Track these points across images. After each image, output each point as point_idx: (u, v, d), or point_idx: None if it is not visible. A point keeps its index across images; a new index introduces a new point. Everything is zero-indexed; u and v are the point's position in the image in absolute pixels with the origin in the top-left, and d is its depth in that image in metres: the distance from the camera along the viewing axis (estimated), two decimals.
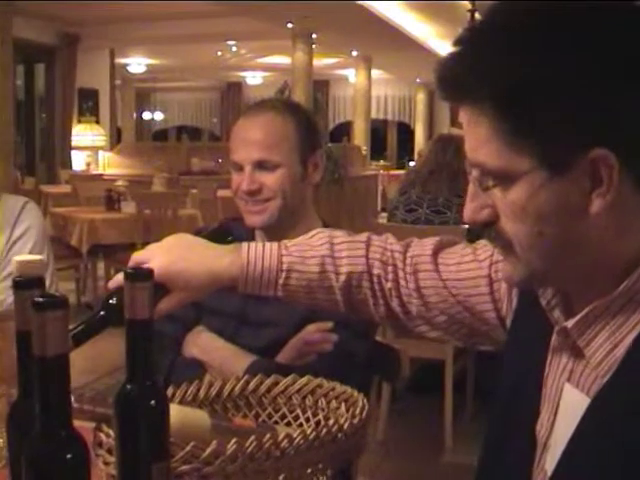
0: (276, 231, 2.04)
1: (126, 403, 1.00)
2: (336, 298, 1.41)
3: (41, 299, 0.83)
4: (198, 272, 1.35)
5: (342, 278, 1.40)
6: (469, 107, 1.06)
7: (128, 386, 1.01)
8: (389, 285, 1.40)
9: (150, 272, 0.99)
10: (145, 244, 5.85)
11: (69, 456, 0.86)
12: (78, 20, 13.03)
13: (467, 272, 1.37)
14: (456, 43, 1.07)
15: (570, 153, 0.99)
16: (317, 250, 1.40)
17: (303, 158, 2.07)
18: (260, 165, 2.03)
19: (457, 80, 1.06)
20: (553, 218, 1.03)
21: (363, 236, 1.44)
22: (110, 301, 1.28)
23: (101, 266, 7.51)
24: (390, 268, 1.41)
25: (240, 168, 2.05)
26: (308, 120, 2.13)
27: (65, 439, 0.86)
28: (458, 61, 1.06)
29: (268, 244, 1.40)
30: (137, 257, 1.36)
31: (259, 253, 1.38)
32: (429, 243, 1.43)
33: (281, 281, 1.39)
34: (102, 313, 1.26)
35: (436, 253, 1.41)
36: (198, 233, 2.26)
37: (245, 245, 1.39)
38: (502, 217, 1.07)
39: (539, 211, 1.03)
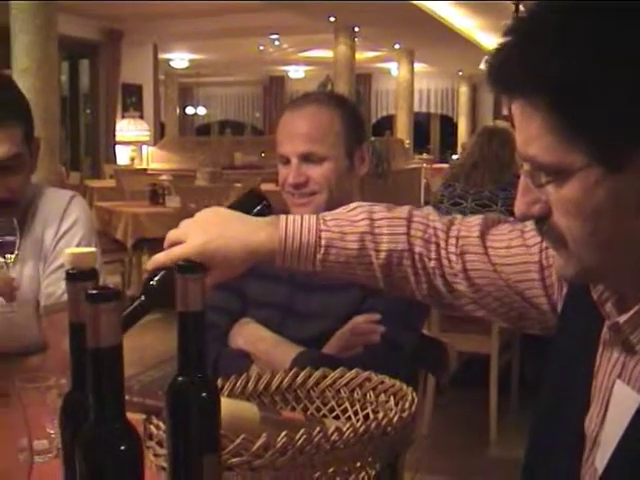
0: None
1: (178, 395, 1.01)
2: (375, 275, 1.39)
3: (95, 291, 0.83)
4: (235, 248, 1.33)
5: (382, 255, 1.38)
6: (521, 101, 1.04)
7: (180, 378, 1.01)
8: (432, 264, 1.38)
9: (202, 265, 0.99)
10: None
11: (123, 447, 0.86)
12: (121, 16, 13.13)
13: (517, 257, 1.35)
14: (505, 34, 1.05)
15: (626, 150, 0.97)
16: (356, 226, 1.38)
17: (349, 151, 2.06)
18: (306, 158, 2.02)
19: (509, 74, 1.04)
20: (607, 215, 1.01)
21: (404, 211, 1.41)
22: (151, 283, 1.27)
23: (146, 260, 7.56)
24: (433, 247, 1.38)
25: (286, 161, 2.05)
26: (354, 112, 2.12)
27: (118, 430, 0.87)
28: (509, 54, 1.04)
29: (306, 217, 1.37)
30: (172, 236, 1.35)
31: (297, 227, 1.36)
32: (475, 223, 1.40)
33: (319, 256, 1.37)
34: (143, 298, 1.25)
35: (483, 234, 1.38)
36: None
37: (283, 218, 1.36)
38: (555, 212, 1.05)
39: (593, 207, 1.01)
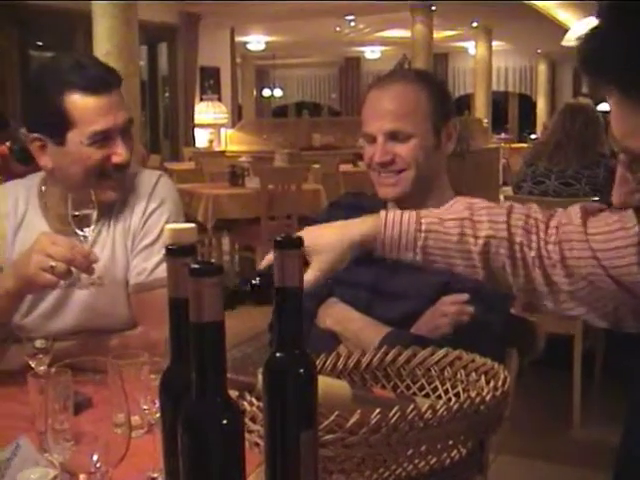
0: (409, 203, 2.01)
1: (276, 371, 1.01)
2: (474, 264, 1.38)
3: (197, 265, 0.84)
4: (334, 237, 1.35)
5: (480, 242, 1.36)
6: (618, 94, 1.01)
7: (277, 354, 1.01)
8: (532, 254, 1.37)
9: (300, 239, 0.99)
10: (270, 218, 5.93)
11: (224, 422, 0.86)
12: None
13: (616, 241, 1.32)
14: (599, 16, 1.01)
15: None
16: (457, 213, 1.38)
17: (436, 128, 2.04)
18: (393, 136, 2.00)
19: (605, 65, 1.01)
20: None
21: (505, 204, 1.41)
22: (254, 282, 1.28)
23: (226, 241, 7.64)
24: (534, 237, 1.37)
25: (373, 139, 2.03)
26: (440, 89, 2.09)
27: (220, 405, 0.87)
28: (604, 43, 1.00)
29: (407, 212, 1.39)
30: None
31: (397, 217, 1.37)
32: (575, 211, 1.38)
33: (420, 243, 1.37)
34: (248, 287, 1.26)
35: (585, 221, 1.36)
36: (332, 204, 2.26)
37: (383, 212, 1.38)
38: None
39: None
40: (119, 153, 1.97)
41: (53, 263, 1.72)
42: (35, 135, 2.00)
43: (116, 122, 1.96)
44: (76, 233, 1.83)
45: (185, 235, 1.05)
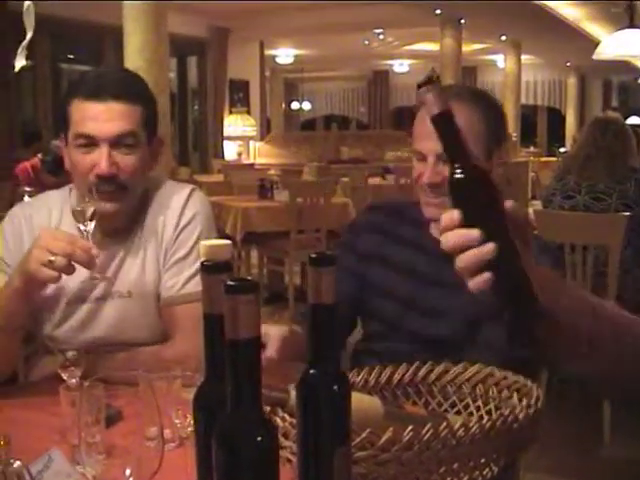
0: None
1: (310, 387, 1.01)
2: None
3: (233, 282, 0.84)
4: None
5: None
6: None
7: (311, 371, 1.01)
8: None
9: (334, 257, 0.98)
10: (298, 232, 5.93)
11: (259, 438, 0.86)
12: (228, 13, 13.30)
13: None
14: None
15: None
16: None
17: (489, 151, 1.95)
18: (444, 157, 1.90)
19: None
20: None
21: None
22: None
23: (254, 254, 7.65)
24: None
25: (423, 157, 1.96)
26: (495, 110, 2.02)
27: (255, 421, 0.87)
28: None
29: None
30: None
31: None
32: None
33: None
34: None
35: None
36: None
37: None
38: None
39: None
40: (100, 163, 1.93)
41: (52, 257, 1.72)
42: (61, 134, 2.05)
43: (104, 130, 1.93)
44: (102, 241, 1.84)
45: (220, 251, 1.05)
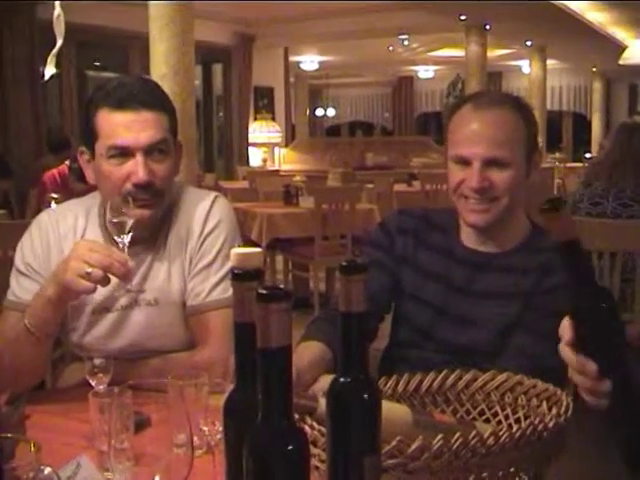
0: (491, 230, 1.99)
1: (340, 395, 1.00)
2: None
3: (265, 291, 0.84)
4: None
5: None
6: None
7: (341, 379, 1.01)
8: None
9: (364, 265, 0.98)
10: (324, 238, 5.91)
11: (290, 447, 0.86)
12: (253, 20, 13.36)
13: None
14: None
15: None
16: None
17: (528, 156, 1.98)
18: (490, 162, 1.93)
19: None
20: None
21: None
22: None
23: (279, 260, 7.66)
24: None
25: (465, 163, 1.96)
26: (532, 116, 2.04)
27: (287, 430, 0.87)
28: None
29: None
30: None
31: None
32: None
33: None
34: None
35: None
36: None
37: None
38: None
39: None
40: (138, 172, 1.94)
41: (89, 269, 1.73)
42: (82, 148, 2.05)
43: (138, 140, 1.94)
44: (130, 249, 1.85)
45: (251, 259, 1.05)
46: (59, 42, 2.42)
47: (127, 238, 1.84)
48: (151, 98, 1.99)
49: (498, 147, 1.92)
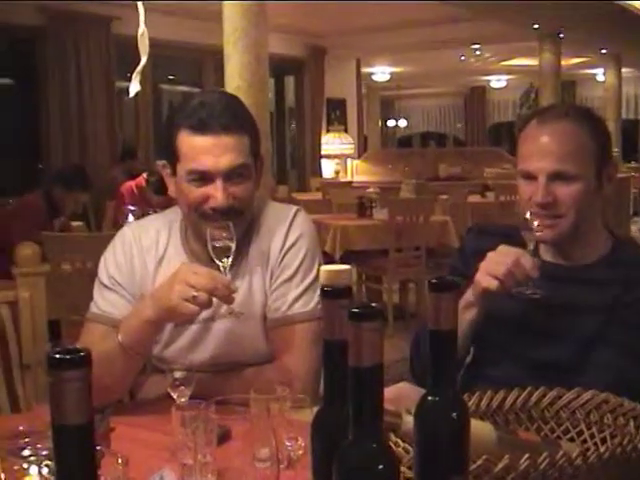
0: (566, 245, 1.98)
1: (428, 414, 1.00)
2: None
3: (358, 309, 0.84)
4: None
5: None
6: None
7: (430, 397, 1.00)
8: None
9: (454, 282, 0.98)
10: (397, 250, 5.88)
11: (381, 467, 0.86)
12: (325, 32, 13.40)
13: None
14: None
15: None
16: None
17: (599, 169, 1.95)
18: (555, 177, 1.91)
19: None
20: None
21: None
22: None
23: (353, 272, 7.66)
24: None
25: (531, 177, 1.94)
26: (602, 127, 2.00)
27: (377, 450, 0.87)
28: None
29: None
30: None
31: None
32: None
33: None
34: None
35: None
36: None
37: None
38: None
39: None
40: (216, 196, 1.95)
41: (195, 293, 1.74)
42: (163, 162, 2.08)
43: (217, 165, 1.94)
44: (212, 265, 1.87)
45: (341, 277, 1.06)
46: (143, 59, 2.46)
47: (228, 261, 1.86)
48: (232, 120, 1.98)
49: (562, 160, 1.90)
